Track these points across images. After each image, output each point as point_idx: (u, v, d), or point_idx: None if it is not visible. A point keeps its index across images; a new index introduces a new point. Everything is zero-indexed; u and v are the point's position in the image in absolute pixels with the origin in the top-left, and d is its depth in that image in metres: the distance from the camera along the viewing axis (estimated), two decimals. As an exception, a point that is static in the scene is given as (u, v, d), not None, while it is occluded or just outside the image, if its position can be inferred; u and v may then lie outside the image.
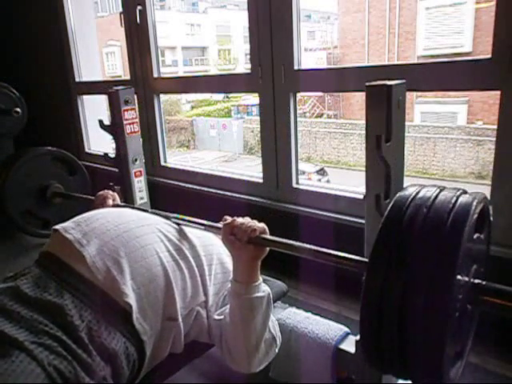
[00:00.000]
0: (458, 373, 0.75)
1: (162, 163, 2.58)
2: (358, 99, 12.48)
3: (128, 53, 2.54)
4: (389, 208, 0.73)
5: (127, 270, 0.98)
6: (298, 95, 1.92)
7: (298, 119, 1.91)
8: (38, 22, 3.20)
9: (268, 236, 1.05)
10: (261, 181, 2.00)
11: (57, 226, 1.07)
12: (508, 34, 1.28)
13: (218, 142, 14.47)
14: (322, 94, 13.65)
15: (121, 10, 2.50)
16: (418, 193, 0.73)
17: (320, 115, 14.34)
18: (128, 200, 1.82)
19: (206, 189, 2.25)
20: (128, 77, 2.59)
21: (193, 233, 1.19)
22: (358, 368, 1.12)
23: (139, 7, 2.36)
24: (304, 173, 9.47)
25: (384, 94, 0.88)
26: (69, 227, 1.05)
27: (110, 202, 1.47)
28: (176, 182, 2.42)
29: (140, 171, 1.84)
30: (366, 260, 0.83)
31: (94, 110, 3.10)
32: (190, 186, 2.33)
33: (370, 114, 0.92)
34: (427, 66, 1.53)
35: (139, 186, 1.85)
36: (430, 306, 0.63)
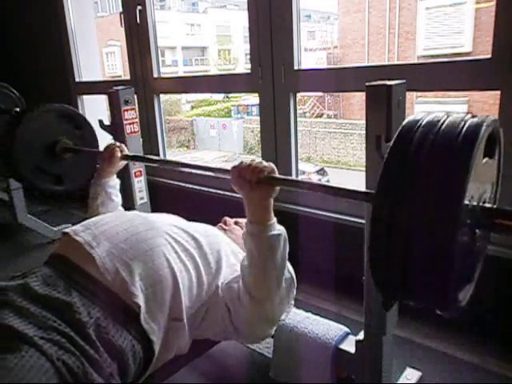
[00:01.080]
0: (466, 296, 0.74)
1: (162, 163, 2.58)
2: (358, 99, 12.47)
3: (128, 53, 2.54)
4: (397, 133, 0.71)
5: (136, 271, 0.99)
6: (298, 95, 1.92)
7: (298, 119, 1.91)
8: (38, 22, 3.20)
9: (276, 175, 1.05)
10: (261, 181, 1.99)
11: (67, 230, 1.10)
12: (508, 34, 1.28)
13: (217, 142, 14.47)
14: (322, 94, 13.64)
15: (121, 9, 2.50)
16: (425, 117, 0.71)
17: (320, 115, 14.34)
18: (128, 200, 1.82)
19: (205, 189, 2.25)
20: (128, 77, 2.59)
21: (199, 232, 1.20)
22: (357, 368, 1.12)
23: (139, 7, 2.36)
24: (304, 173, 9.48)
25: (384, 94, 0.88)
26: (78, 230, 1.08)
27: (118, 153, 1.51)
28: (176, 182, 2.42)
29: (140, 171, 1.84)
30: (372, 191, 0.82)
31: (93, 110, 3.10)
32: (190, 186, 2.34)
33: (370, 114, 0.92)
34: (427, 66, 1.54)
35: (139, 186, 1.84)
36: (437, 225, 0.62)
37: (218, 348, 1.44)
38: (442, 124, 0.67)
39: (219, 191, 2.17)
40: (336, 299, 1.73)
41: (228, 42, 21.63)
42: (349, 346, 1.15)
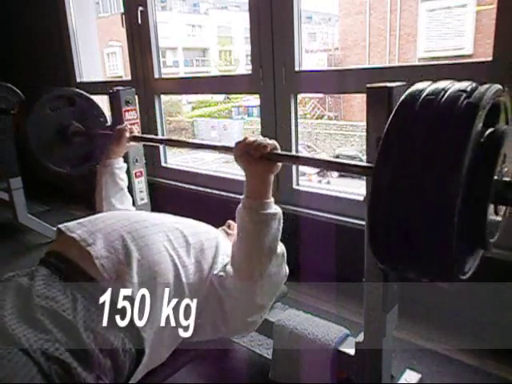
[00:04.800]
0: (471, 268, 0.75)
1: (163, 164, 2.58)
2: (359, 101, 12.48)
3: (129, 53, 2.55)
4: (396, 105, 0.71)
5: (133, 268, 0.99)
6: (299, 96, 1.92)
7: (299, 120, 1.91)
8: (40, 23, 3.21)
9: (279, 151, 1.07)
10: (261, 182, 1.99)
11: (60, 226, 1.09)
12: (509, 37, 1.28)
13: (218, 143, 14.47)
14: (322, 96, 13.64)
15: (122, 10, 2.51)
16: (429, 86, 0.72)
17: (321, 117, 14.34)
18: (128, 200, 1.82)
19: (206, 190, 2.25)
20: (129, 77, 2.59)
21: (197, 230, 1.20)
22: (357, 369, 1.12)
23: (140, 8, 2.36)
24: (304, 174, 9.47)
25: (385, 95, 0.88)
26: (74, 227, 1.07)
27: (127, 133, 1.55)
28: (176, 183, 2.42)
29: (141, 172, 1.84)
30: (372, 165, 0.83)
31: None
32: (191, 186, 2.34)
33: (371, 115, 0.92)
34: (428, 68, 1.54)
35: (140, 186, 1.84)
36: (439, 192, 0.63)
37: (218, 349, 1.44)
38: (442, 97, 0.67)
39: (219, 192, 2.17)
40: (336, 301, 1.73)
41: (229, 43, 21.64)
42: (348, 347, 1.15)
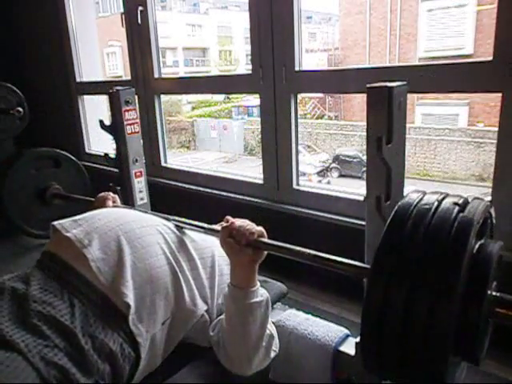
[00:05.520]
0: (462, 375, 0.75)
1: (163, 164, 2.58)
2: (359, 100, 12.48)
3: (129, 53, 2.54)
4: (392, 214, 0.72)
5: (128, 270, 0.98)
6: (299, 96, 1.92)
7: (299, 120, 1.91)
8: (39, 23, 3.21)
9: (266, 240, 1.05)
10: (261, 182, 2.00)
11: (56, 224, 1.07)
12: (509, 37, 1.28)
13: (218, 143, 14.46)
14: (322, 96, 13.65)
15: (122, 10, 2.50)
16: (420, 200, 0.72)
17: (321, 116, 14.34)
18: (128, 201, 1.82)
19: (206, 190, 2.25)
20: (129, 77, 2.59)
21: (189, 235, 1.19)
22: (357, 370, 1.12)
23: (140, 8, 2.36)
24: (304, 174, 9.48)
25: (385, 95, 0.88)
26: (69, 226, 1.06)
27: (110, 203, 1.47)
28: (176, 183, 2.42)
29: (140, 172, 1.84)
30: (368, 266, 0.83)
31: (94, 110, 3.10)
32: (191, 186, 2.33)
33: (371, 115, 0.91)
34: (428, 68, 1.53)
35: (139, 186, 1.85)
36: (433, 316, 0.62)
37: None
38: (433, 215, 0.68)
39: (219, 192, 2.16)
40: (336, 301, 1.73)
41: (229, 43, 21.62)
42: (349, 347, 1.15)
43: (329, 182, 9.89)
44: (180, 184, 2.40)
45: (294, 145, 1.89)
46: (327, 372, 1.15)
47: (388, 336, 0.67)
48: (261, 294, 1.05)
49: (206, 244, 1.21)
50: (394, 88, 0.88)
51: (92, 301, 0.93)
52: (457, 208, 0.68)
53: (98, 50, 3.27)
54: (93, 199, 1.56)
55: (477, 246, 0.70)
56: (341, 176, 10.36)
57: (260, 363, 1.08)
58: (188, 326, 1.08)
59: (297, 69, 1.81)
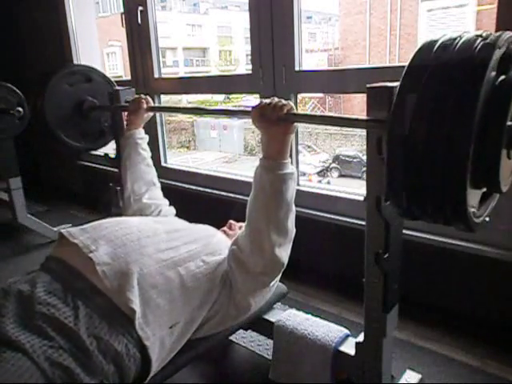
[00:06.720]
0: (484, 212, 0.78)
1: (163, 164, 2.58)
2: (359, 100, 12.47)
3: (129, 53, 2.55)
4: (417, 48, 0.75)
5: (134, 277, 0.99)
6: (299, 96, 1.92)
7: (299, 120, 1.91)
8: (40, 22, 3.21)
9: (296, 111, 1.08)
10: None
11: (63, 231, 1.09)
12: (509, 37, 1.28)
13: (218, 143, 14.45)
14: (322, 96, 13.64)
15: (122, 10, 2.50)
16: (443, 36, 0.75)
17: (321, 116, 14.33)
18: (128, 200, 1.82)
19: (206, 190, 2.25)
20: (129, 77, 2.59)
21: (201, 236, 1.21)
22: (357, 370, 1.12)
23: (140, 8, 2.36)
24: (305, 174, 9.47)
25: (385, 95, 0.87)
26: (76, 233, 1.07)
27: (144, 105, 1.56)
28: (176, 183, 2.42)
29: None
30: (384, 119, 0.86)
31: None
32: (191, 186, 2.33)
33: (371, 115, 0.91)
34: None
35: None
36: (453, 135, 0.66)
37: (218, 349, 1.44)
38: (455, 47, 0.70)
39: (219, 192, 2.16)
40: (336, 301, 1.73)
41: (229, 43, 21.61)
42: (349, 348, 1.15)
43: (329, 182, 9.88)
44: (180, 184, 2.40)
45: (294, 144, 1.89)
46: (327, 372, 1.16)
47: (412, 165, 0.71)
48: (291, 167, 1.08)
49: (208, 240, 1.22)
50: (394, 88, 0.88)
51: (97, 304, 0.93)
52: (480, 38, 0.69)
53: (98, 50, 3.27)
54: (127, 105, 1.63)
55: (499, 79, 0.71)
56: (341, 176, 10.34)
57: (289, 234, 1.09)
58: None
59: (297, 69, 1.81)
